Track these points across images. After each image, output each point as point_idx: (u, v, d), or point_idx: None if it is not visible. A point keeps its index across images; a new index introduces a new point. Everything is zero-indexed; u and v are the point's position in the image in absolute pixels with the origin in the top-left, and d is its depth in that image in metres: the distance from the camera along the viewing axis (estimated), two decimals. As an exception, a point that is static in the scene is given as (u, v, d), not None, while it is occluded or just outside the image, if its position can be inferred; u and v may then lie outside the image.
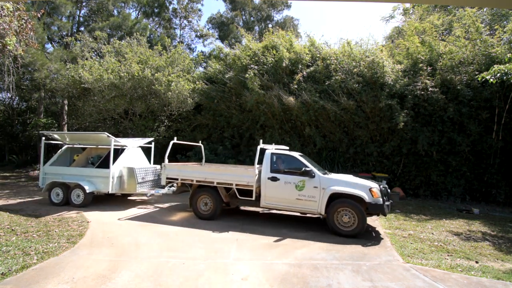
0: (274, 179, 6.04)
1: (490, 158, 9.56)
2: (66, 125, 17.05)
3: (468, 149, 9.49)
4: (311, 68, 11.46)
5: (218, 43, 22.68)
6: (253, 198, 6.10)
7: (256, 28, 26.21)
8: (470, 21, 10.03)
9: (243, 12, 26.84)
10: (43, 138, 8.38)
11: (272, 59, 11.57)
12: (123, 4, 22.17)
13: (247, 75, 11.00)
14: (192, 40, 27.40)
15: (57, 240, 4.80)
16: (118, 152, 8.31)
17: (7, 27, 7.38)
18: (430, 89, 9.43)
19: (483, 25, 10.13)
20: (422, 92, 9.48)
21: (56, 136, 8.71)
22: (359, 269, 3.92)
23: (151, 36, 22.04)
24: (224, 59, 13.68)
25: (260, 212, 7.60)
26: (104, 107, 12.07)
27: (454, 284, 3.53)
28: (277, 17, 27.19)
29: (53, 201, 7.65)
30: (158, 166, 8.59)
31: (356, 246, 4.96)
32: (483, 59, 9.25)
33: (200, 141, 9.36)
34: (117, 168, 7.57)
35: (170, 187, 7.50)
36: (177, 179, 6.84)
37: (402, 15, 15.34)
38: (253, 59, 12.08)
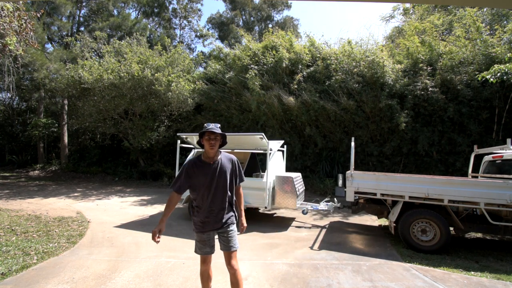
0: None
1: (490, 158, 9.54)
2: (66, 125, 17.06)
3: (469, 150, 9.48)
4: (311, 68, 11.47)
5: (218, 43, 22.71)
6: None
7: (256, 28, 26.22)
8: (470, 21, 10.02)
9: (243, 12, 26.85)
10: (179, 141, 7.14)
11: (272, 59, 11.56)
12: (123, 4, 22.19)
13: (248, 75, 11.00)
14: (192, 40, 27.46)
15: (57, 240, 4.80)
16: (256, 157, 7.07)
17: (8, 27, 7.38)
18: (430, 89, 9.42)
19: (483, 25, 10.12)
20: (422, 92, 9.47)
21: (189, 139, 7.14)
22: (359, 269, 3.92)
23: (151, 36, 22.06)
24: (224, 59, 13.68)
25: (260, 211, 7.60)
26: (104, 107, 12.08)
27: (454, 284, 3.53)
28: (277, 17, 27.23)
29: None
30: (299, 174, 7.21)
31: (356, 246, 4.96)
32: (483, 59, 9.24)
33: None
34: (270, 177, 6.18)
35: (328, 202, 6.51)
36: (373, 194, 5.14)
37: (402, 15, 15.33)
38: (253, 59, 12.08)
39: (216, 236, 2.63)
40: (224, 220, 2.53)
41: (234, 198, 2.67)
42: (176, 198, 2.53)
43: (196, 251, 2.63)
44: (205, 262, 2.62)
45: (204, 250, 2.57)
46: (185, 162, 2.63)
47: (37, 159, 18.07)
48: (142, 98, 12.20)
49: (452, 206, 4.79)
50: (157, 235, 2.36)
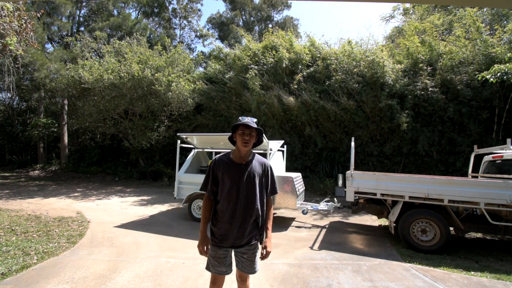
0: None
1: (490, 158, 9.54)
2: (66, 125, 17.06)
3: (469, 150, 9.48)
4: (311, 68, 11.47)
5: (218, 43, 22.71)
6: None
7: (256, 28, 26.23)
8: (470, 21, 10.02)
9: (243, 12, 26.85)
10: (179, 141, 6.97)
11: (272, 59, 11.57)
12: (123, 4, 22.20)
13: (248, 75, 11.01)
14: (192, 40, 27.47)
15: (57, 240, 4.80)
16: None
17: (8, 27, 7.38)
18: (430, 89, 9.43)
19: (483, 25, 10.11)
20: (422, 92, 9.47)
21: (189, 139, 7.01)
22: (359, 269, 3.92)
23: (151, 36, 22.07)
24: (224, 59, 13.69)
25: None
26: (104, 107, 12.08)
27: (454, 284, 3.53)
28: (277, 17, 27.24)
29: (194, 215, 6.25)
30: (299, 174, 7.15)
31: (356, 246, 4.96)
32: (483, 59, 9.24)
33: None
34: None
35: (328, 202, 6.49)
36: (373, 194, 5.12)
37: (402, 15, 15.34)
38: (253, 59, 12.08)
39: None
40: (247, 238, 2.08)
41: (261, 212, 2.14)
42: (209, 202, 2.17)
43: (208, 268, 2.14)
44: (216, 284, 2.14)
45: (219, 270, 2.10)
46: (212, 160, 2.21)
47: (37, 159, 18.07)
48: (142, 98, 12.21)
49: (452, 206, 4.76)
50: (206, 250, 2.10)
